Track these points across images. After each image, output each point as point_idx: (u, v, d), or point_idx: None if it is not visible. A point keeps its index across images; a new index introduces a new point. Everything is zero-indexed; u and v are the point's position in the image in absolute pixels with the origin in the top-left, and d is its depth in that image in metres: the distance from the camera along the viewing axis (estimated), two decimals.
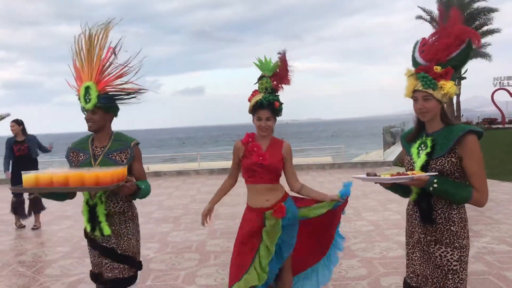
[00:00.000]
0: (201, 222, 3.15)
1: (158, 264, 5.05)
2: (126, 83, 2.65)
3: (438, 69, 2.16)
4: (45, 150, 7.49)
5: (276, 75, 3.08)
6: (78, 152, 2.73)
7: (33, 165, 7.14)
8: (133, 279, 2.73)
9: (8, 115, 29.84)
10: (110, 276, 2.64)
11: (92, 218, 2.59)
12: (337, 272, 4.45)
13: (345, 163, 14.58)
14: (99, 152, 2.67)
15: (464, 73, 3.82)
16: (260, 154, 3.02)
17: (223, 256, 5.19)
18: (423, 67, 2.21)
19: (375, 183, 2.26)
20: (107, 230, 2.55)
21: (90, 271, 2.90)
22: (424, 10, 30.00)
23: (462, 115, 32.42)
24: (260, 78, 3.10)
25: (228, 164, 14.07)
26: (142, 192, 2.63)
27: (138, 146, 2.77)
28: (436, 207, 2.23)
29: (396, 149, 16.98)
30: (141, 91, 2.70)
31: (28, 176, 2.34)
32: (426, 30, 29.76)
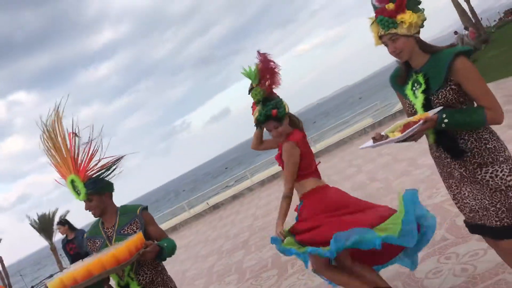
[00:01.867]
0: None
1: None
2: (99, 160, 2.65)
3: (390, 6, 2.05)
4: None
5: (263, 79, 3.02)
6: (94, 240, 2.74)
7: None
8: None
9: (67, 212, 31.25)
10: None
11: None
12: None
13: (385, 118, 14.17)
14: (111, 232, 2.68)
15: None
16: (279, 151, 3.07)
17: (299, 262, 5.11)
18: (377, 10, 2.12)
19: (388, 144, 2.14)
20: None
21: None
22: None
23: (481, 18, 30.82)
24: (250, 91, 3.05)
25: (276, 169, 14.02)
26: (167, 250, 2.60)
27: (146, 210, 2.75)
28: (462, 134, 2.08)
29: None
30: (118, 160, 2.70)
31: (53, 283, 2.33)
32: None
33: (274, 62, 3.03)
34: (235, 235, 8.67)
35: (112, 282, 2.76)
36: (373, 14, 2.18)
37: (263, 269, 5.54)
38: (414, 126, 2.00)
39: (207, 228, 11.49)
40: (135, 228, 2.64)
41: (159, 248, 2.55)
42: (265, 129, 3.09)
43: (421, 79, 2.09)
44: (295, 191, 3.05)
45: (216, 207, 14.26)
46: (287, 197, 2.95)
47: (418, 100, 2.11)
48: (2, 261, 28.34)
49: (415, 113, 2.16)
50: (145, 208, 2.76)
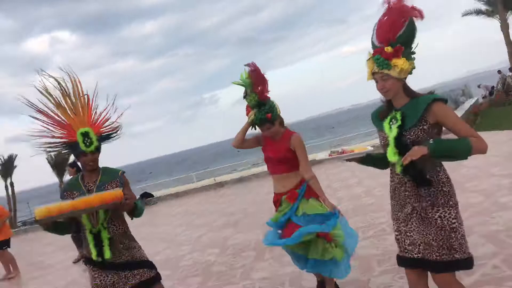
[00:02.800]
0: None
1: (218, 267, 5.49)
2: (113, 122, 3.09)
3: (389, 49, 2.30)
4: None
5: (256, 84, 3.37)
6: (72, 191, 3.04)
7: None
8: (155, 279, 3.10)
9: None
10: (133, 282, 2.98)
11: (97, 244, 2.92)
12: (382, 248, 4.61)
13: None
14: (92, 186, 3.02)
15: (415, 47, 3.64)
16: (272, 148, 3.45)
17: (278, 249, 5.50)
18: (377, 49, 2.37)
19: (348, 160, 2.52)
20: (107, 254, 2.90)
21: None
22: None
23: None
24: (245, 96, 3.41)
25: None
26: (139, 208, 2.99)
27: (124, 174, 3.13)
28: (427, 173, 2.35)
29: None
30: (120, 127, 3.15)
31: (40, 209, 2.68)
32: None
33: (261, 71, 3.41)
34: (229, 213, 9.11)
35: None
36: (371, 51, 2.45)
37: (244, 249, 5.96)
38: (355, 153, 2.43)
39: (207, 202, 11.99)
40: (114, 186, 3.00)
41: (134, 204, 2.94)
42: (257, 128, 3.48)
43: (398, 116, 2.37)
44: (283, 181, 3.46)
45: (220, 184, 14.73)
46: (316, 177, 3.42)
47: (392, 133, 2.38)
48: (13, 186, 29.64)
49: (387, 144, 2.45)
50: (124, 172, 3.14)
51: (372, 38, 2.45)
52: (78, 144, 2.93)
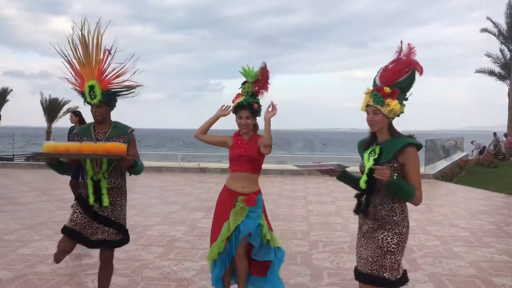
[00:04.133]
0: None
1: (182, 243, 5.78)
2: (124, 81, 3.26)
3: (387, 89, 2.63)
4: None
5: (257, 81, 3.68)
6: (82, 136, 3.28)
7: None
8: (120, 243, 3.33)
9: (76, 107, 32.26)
10: (100, 237, 3.22)
11: (96, 191, 3.15)
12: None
13: None
14: (101, 137, 3.24)
15: (409, 96, 4.05)
16: (242, 146, 3.65)
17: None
18: (377, 87, 2.70)
19: (317, 170, 2.81)
20: (106, 201, 3.15)
21: (65, 225, 3.22)
22: (492, 21, 28.76)
23: None
24: (244, 83, 3.70)
25: (272, 160, 14.48)
26: (138, 166, 3.21)
27: (133, 132, 3.36)
28: (382, 202, 2.68)
29: (442, 164, 16.76)
30: (137, 87, 3.31)
31: (48, 144, 2.93)
32: (494, 43, 28.44)
33: (270, 76, 3.68)
34: (205, 199, 9.40)
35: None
36: (370, 87, 2.79)
37: (210, 234, 6.23)
38: (326, 164, 2.73)
39: (186, 183, 12.26)
40: (121, 141, 3.21)
41: (134, 162, 3.15)
42: (236, 117, 3.65)
43: (377, 150, 2.71)
44: (244, 181, 3.65)
45: (203, 170, 15.02)
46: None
47: (368, 163, 2.71)
48: None
49: (363, 171, 2.78)
50: (133, 130, 3.36)
51: (375, 77, 2.79)
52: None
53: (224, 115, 3.73)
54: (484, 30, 28.93)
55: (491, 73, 29.25)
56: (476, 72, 30.01)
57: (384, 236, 2.66)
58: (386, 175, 2.49)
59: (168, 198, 9.55)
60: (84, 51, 3.20)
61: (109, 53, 3.22)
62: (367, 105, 2.72)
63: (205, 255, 5.24)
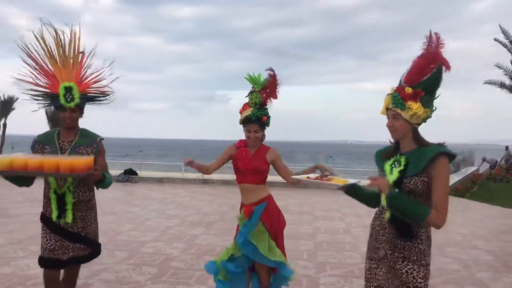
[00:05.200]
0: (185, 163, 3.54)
1: (178, 263, 5.30)
2: (104, 86, 2.97)
3: (408, 90, 2.21)
4: None
5: (265, 89, 3.44)
6: (44, 145, 2.91)
7: None
8: (89, 257, 3.02)
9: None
10: (71, 255, 2.90)
11: (60, 206, 2.81)
12: None
13: None
14: (66, 146, 2.89)
15: (436, 98, 3.38)
16: (247, 157, 3.44)
17: None
18: (398, 87, 2.28)
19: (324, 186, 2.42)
20: (69, 218, 2.81)
21: (40, 256, 2.95)
22: (504, 32, 28.03)
23: None
24: (251, 93, 3.45)
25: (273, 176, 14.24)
26: (106, 180, 2.87)
27: (102, 141, 3.02)
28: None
29: (454, 178, 16.20)
30: (111, 93, 3.01)
31: (2, 159, 2.54)
32: (505, 56, 28.02)
33: (279, 82, 3.48)
34: (206, 213, 8.93)
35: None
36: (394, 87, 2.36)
37: (209, 253, 5.77)
38: (329, 184, 2.38)
39: (187, 196, 11.80)
40: (89, 151, 2.89)
41: (103, 176, 2.80)
42: (244, 129, 3.48)
43: (402, 160, 2.26)
44: (248, 193, 3.48)
45: (206, 182, 14.57)
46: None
47: (392, 176, 2.26)
48: (5, 128, 29.37)
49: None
50: (102, 139, 3.02)
51: (402, 75, 2.35)
52: (59, 97, 2.80)
53: (194, 165, 3.53)
54: (496, 40, 28.30)
55: (502, 85, 28.64)
56: (485, 83, 29.39)
57: (409, 269, 2.24)
58: (383, 185, 2.16)
59: (167, 211, 9.09)
60: (60, 51, 2.88)
61: (83, 53, 2.94)
62: (387, 108, 2.30)
63: (201, 278, 4.77)
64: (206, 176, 15.93)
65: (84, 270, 4.88)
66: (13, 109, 30.08)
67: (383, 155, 2.43)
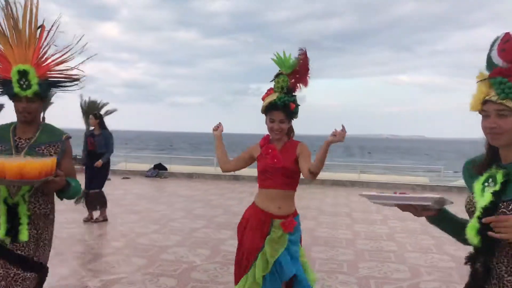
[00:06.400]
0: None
1: (201, 274, 4.72)
2: (69, 69, 2.31)
3: None
4: (109, 148, 7.23)
5: (294, 73, 2.83)
6: None
7: (97, 160, 7.17)
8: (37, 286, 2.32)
9: (115, 110, 32.33)
10: (16, 286, 2.19)
11: (11, 220, 2.16)
12: None
13: (439, 186, 13.20)
14: (23, 144, 2.28)
15: None
16: (274, 155, 2.81)
17: None
18: (501, 69, 1.53)
19: (389, 203, 1.65)
20: (25, 235, 2.15)
21: None
22: None
23: None
24: (277, 76, 2.85)
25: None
26: (72, 189, 2.23)
27: (69, 140, 2.39)
28: (504, 261, 1.54)
29: None
30: (82, 77, 2.35)
31: None
32: None
33: (311, 66, 2.85)
34: (235, 213, 8.34)
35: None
36: (484, 71, 1.61)
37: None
38: (416, 198, 1.55)
39: (217, 193, 11.25)
40: (52, 152, 2.29)
41: (67, 183, 2.17)
42: (266, 119, 2.88)
43: (499, 176, 1.54)
44: (280, 200, 2.85)
45: (236, 178, 13.99)
46: None
47: (483, 199, 1.54)
48: None
49: (472, 212, 1.59)
50: (69, 138, 2.41)
51: (491, 53, 1.60)
52: (12, 84, 2.19)
53: (218, 132, 3.16)
54: None
55: None
56: None
57: None
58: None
59: (194, 211, 8.55)
60: (11, 26, 2.24)
61: (42, 29, 2.28)
62: (485, 101, 1.55)
63: None
64: (237, 172, 15.39)
65: (95, 280, 4.37)
66: (52, 103, 30.50)
67: (474, 168, 1.69)
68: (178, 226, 7.12)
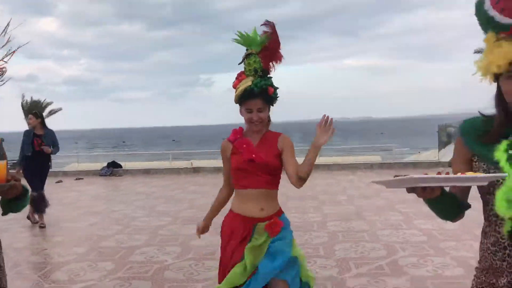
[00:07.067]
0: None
1: (175, 273, 4.46)
2: None
3: None
4: (57, 146, 6.92)
5: (264, 50, 2.46)
6: None
7: (47, 161, 6.93)
8: None
9: (60, 109, 30.79)
10: None
11: None
12: None
13: (396, 163, 13.51)
14: None
15: None
16: (251, 150, 2.44)
17: None
18: None
19: (407, 188, 1.44)
20: None
21: None
22: None
23: None
24: (247, 57, 2.46)
25: None
26: (25, 199, 1.82)
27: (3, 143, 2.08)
28: None
29: (451, 150, 15.61)
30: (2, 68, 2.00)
31: None
32: None
33: (280, 39, 2.49)
34: (200, 206, 8.08)
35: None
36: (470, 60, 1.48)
37: (209, 256, 4.94)
38: (478, 176, 1.30)
39: (177, 187, 10.91)
40: None
41: (23, 189, 1.79)
42: (241, 109, 2.49)
43: None
44: (262, 201, 2.45)
45: (197, 170, 13.68)
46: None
47: None
48: None
49: (494, 184, 1.42)
50: (3, 140, 2.10)
51: (487, 12, 1.44)
52: None
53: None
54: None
55: None
56: (475, 52, 28.94)
57: None
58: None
59: (156, 208, 8.20)
60: None
61: None
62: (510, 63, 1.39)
63: None
64: (196, 164, 15.04)
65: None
66: None
67: (481, 136, 1.52)
68: (141, 225, 6.78)
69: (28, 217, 6.98)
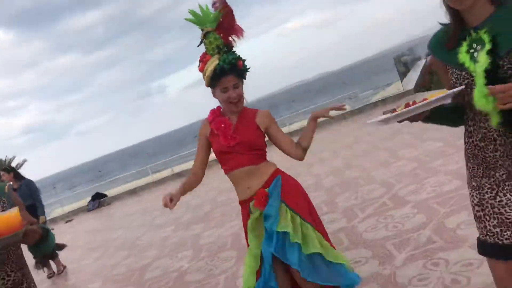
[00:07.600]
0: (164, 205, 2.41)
1: (195, 274, 4.50)
2: None
3: None
4: (37, 198, 6.49)
5: (221, 26, 2.35)
6: None
7: (31, 213, 6.69)
8: None
9: (25, 161, 29.93)
10: None
11: None
12: (391, 227, 3.83)
13: (365, 106, 13.77)
14: None
15: None
16: (229, 129, 2.36)
17: None
18: None
19: (401, 120, 1.56)
20: None
21: None
22: None
23: None
24: (205, 36, 2.35)
25: None
26: (51, 235, 1.82)
27: (12, 190, 1.98)
28: None
29: (413, 76, 15.98)
30: None
31: None
32: None
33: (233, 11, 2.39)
34: (196, 206, 8.12)
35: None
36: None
37: (221, 249, 4.99)
38: (440, 96, 1.47)
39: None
40: (0, 209, 1.84)
41: (43, 230, 1.77)
42: (215, 91, 2.40)
43: (485, 37, 1.48)
44: (249, 179, 2.38)
45: (180, 175, 13.63)
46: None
47: (479, 65, 1.47)
48: None
49: (469, 84, 1.52)
50: (12, 187, 2.00)
51: None
52: None
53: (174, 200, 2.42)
54: None
55: None
56: None
57: None
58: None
59: (155, 221, 8.19)
60: None
61: None
62: None
63: (228, 280, 4.00)
64: (176, 169, 14.97)
65: None
66: None
67: (444, 43, 1.61)
68: (146, 241, 6.77)
69: (50, 275, 6.63)
